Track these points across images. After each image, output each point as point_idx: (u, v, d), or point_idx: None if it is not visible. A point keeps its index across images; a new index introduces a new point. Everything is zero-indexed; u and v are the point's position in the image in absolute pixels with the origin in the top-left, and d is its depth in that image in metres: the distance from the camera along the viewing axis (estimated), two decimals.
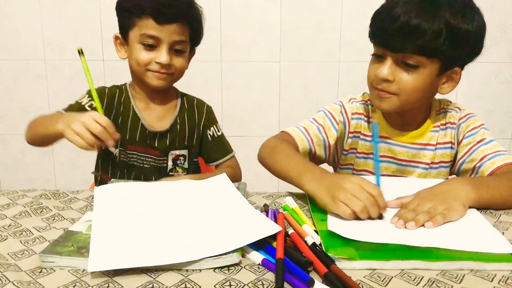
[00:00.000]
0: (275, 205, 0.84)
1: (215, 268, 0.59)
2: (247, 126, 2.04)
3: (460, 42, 0.85)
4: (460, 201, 0.73)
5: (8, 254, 0.63)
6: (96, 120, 0.83)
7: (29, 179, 2.13)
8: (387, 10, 0.87)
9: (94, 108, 1.02)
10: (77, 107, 1.05)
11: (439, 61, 0.87)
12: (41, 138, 0.96)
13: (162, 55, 1.01)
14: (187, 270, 0.58)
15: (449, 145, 1.00)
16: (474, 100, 2.04)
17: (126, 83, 1.14)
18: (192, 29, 1.05)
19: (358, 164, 1.05)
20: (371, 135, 1.02)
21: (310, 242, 0.64)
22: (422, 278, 0.57)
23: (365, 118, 1.03)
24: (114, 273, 0.57)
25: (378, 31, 0.90)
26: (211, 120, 1.17)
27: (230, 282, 0.55)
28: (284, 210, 0.78)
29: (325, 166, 0.99)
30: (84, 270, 0.59)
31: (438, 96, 0.99)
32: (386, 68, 0.89)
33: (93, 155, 0.95)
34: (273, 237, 0.63)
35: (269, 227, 0.65)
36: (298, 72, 2.02)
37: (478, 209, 0.77)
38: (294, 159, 0.87)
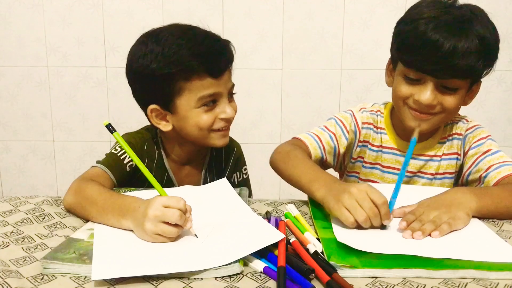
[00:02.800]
0: (277, 212, 0.84)
1: (217, 277, 0.59)
2: (249, 133, 2.04)
3: (491, 56, 0.86)
4: (464, 210, 0.73)
5: (10, 260, 0.63)
6: (169, 206, 0.67)
7: (31, 186, 2.14)
8: (421, 34, 0.84)
9: (134, 168, 0.93)
10: (114, 161, 0.92)
11: (470, 79, 0.89)
12: (90, 219, 0.77)
13: (227, 108, 0.91)
14: (188, 278, 0.58)
15: (455, 156, 1.00)
16: (477, 108, 2.03)
17: (157, 137, 1.00)
18: (231, 70, 0.96)
19: (365, 173, 1.06)
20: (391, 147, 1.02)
21: (312, 250, 0.64)
22: (424, 287, 0.57)
23: (374, 128, 1.04)
24: (116, 280, 0.57)
25: (418, 56, 0.86)
26: (240, 164, 1.10)
27: None
28: (286, 218, 0.78)
29: (331, 171, 0.98)
30: (86, 277, 0.59)
31: None
32: (429, 94, 0.87)
33: (95, 159, 0.93)
34: (275, 244, 0.64)
35: (271, 235, 0.65)
36: (300, 79, 2.02)
37: (480, 218, 0.77)
38: (306, 165, 0.87)
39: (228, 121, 0.94)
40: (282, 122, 2.06)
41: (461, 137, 1.00)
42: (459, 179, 1.01)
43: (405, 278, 0.59)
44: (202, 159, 1.06)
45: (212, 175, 1.06)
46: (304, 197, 0.90)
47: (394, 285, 0.57)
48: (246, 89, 2.02)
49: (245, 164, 1.13)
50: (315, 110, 2.03)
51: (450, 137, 1.01)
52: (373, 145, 1.04)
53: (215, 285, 0.57)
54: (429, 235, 0.69)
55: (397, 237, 0.70)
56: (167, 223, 0.66)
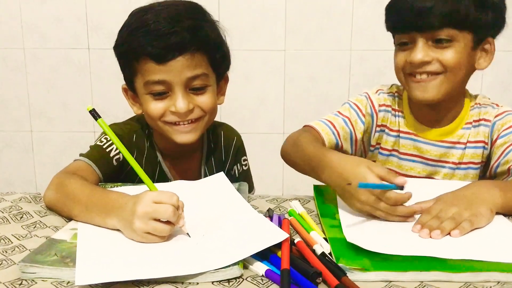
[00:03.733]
0: (280, 209, 0.84)
1: (214, 281, 0.59)
2: (248, 123, 2.04)
3: (486, 5, 0.90)
4: (487, 206, 0.73)
5: None
6: (161, 201, 0.67)
7: (7, 180, 2.14)
8: None
9: (121, 162, 0.93)
10: (100, 154, 0.92)
11: (470, 33, 0.91)
12: (73, 218, 0.77)
13: (177, 102, 0.89)
14: (182, 283, 0.58)
15: (481, 144, 1.01)
16: (501, 91, 2.03)
17: (148, 128, 1.01)
18: (210, 54, 0.92)
19: (381, 161, 1.07)
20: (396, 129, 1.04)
21: (319, 251, 0.64)
22: None
23: (392, 111, 1.05)
24: (102, 286, 0.57)
25: (399, 16, 0.94)
26: (240, 155, 1.11)
27: None
28: (290, 216, 0.79)
29: None
30: (69, 282, 0.59)
31: (472, 89, 1.01)
32: (419, 50, 0.92)
33: (78, 152, 0.93)
34: (278, 245, 0.63)
35: (273, 235, 0.65)
36: (305, 62, 2.01)
37: (505, 215, 0.77)
38: (314, 147, 0.88)
39: (182, 116, 0.91)
40: (285, 110, 2.05)
41: (489, 123, 1.00)
42: (487, 171, 1.01)
43: (422, 282, 0.59)
44: (198, 153, 1.06)
45: (212, 170, 1.06)
46: (310, 192, 0.90)
47: None
48: (245, 73, 2.01)
49: (245, 154, 1.14)
50: (322, 96, 2.03)
51: (477, 123, 1.01)
52: (391, 130, 1.05)
53: None
54: (449, 234, 0.69)
55: (413, 237, 0.70)
56: (159, 220, 0.66)
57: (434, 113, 1.01)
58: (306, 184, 0.99)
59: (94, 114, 0.70)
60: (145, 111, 0.93)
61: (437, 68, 0.92)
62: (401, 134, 1.04)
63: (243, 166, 1.12)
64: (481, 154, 1.01)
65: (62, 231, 0.72)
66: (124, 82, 0.98)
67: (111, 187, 0.88)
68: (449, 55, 0.91)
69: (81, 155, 0.91)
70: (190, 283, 0.58)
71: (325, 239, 0.69)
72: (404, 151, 1.04)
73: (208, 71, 0.93)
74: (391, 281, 0.59)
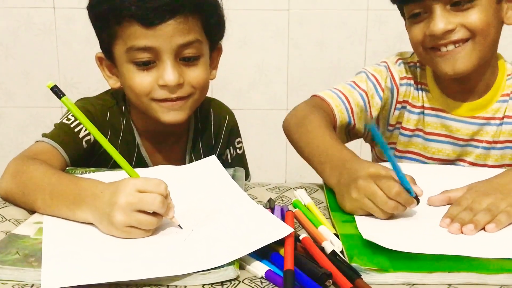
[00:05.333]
0: (282, 200, 0.84)
1: (205, 284, 0.59)
2: (245, 97, 2.04)
3: None
4: None
5: None
6: (146, 190, 0.66)
7: None
8: None
9: (92, 143, 0.93)
10: (66, 134, 0.92)
11: None
12: (36, 210, 0.76)
13: (166, 73, 0.89)
14: (168, 286, 0.58)
15: None
16: None
17: (125, 104, 1.01)
18: (204, 18, 0.92)
19: (403, 143, 1.08)
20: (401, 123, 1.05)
21: (328, 249, 0.64)
22: None
23: (414, 84, 1.06)
24: None
25: None
26: (233, 136, 1.12)
27: None
28: (295, 207, 0.79)
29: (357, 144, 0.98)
30: (33, 285, 0.59)
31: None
32: (439, 18, 0.92)
33: (42, 131, 0.93)
34: (280, 242, 0.63)
35: (275, 229, 0.65)
36: (313, 24, 2.00)
37: None
38: (321, 139, 0.87)
39: (172, 90, 0.91)
40: (288, 82, 2.05)
41: None
42: None
43: (450, 285, 0.59)
44: (184, 135, 1.06)
45: (200, 155, 1.06)
46: (318, 180, 0.90)
47: None
48: (241, 37, 2.00)
49: (239, 136, 1.14)
50: (333, 66, 2.02)
51: None
52: (413, 106, 1.06)
53: None
54: (483, 229, 0.70)
55: (439, 233, 0.70)
56: (144, 212, 0.66)
57: (464, 85, 1.01)
58: (313, 171, 0.99)
59: (57, 91, 0.70)
60: (128, 85, 0.93)
61: (463, 34, 0.92)
62: (426, 111, 1.05)
63: (237, 150, 1.13)
64: None
65: (24, 225, 0.72)
66: (98, 50, 0.97)
67: (81, 173, 0.88)
68: (474, 16, 0.91)
69: (43, 135, 0.91)
70: (176, 286, 0.58)
71: (336, 235, 0.69)
72: (430, 131, 1.05)
73: (202, 38, 0.93)
74: (413, 284, 0.59)
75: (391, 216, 0.73)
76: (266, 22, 2.00)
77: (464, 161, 1.05)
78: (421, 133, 1.06)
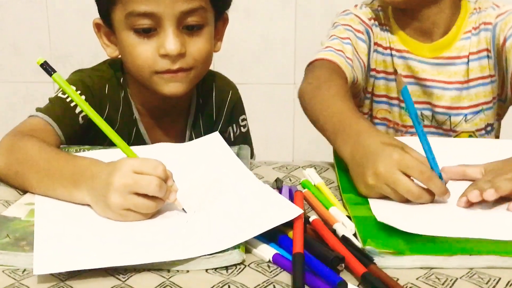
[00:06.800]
0: (290, 180, 0.84)
1: (209, 268, 0.59)
2: (249, 71, 2.03)
3: None
4: None
5: None
6: (143, 172, 0.66)
7: None
8: None
9: (89, 119, 0.93)
10: (62, 109, 0.92)
11: None
12: (29, 190, 0.77)
13: (167, 41, 0.89)
14: (169, 271, 0.58)
15: (485, 53, 1.04)
16: None
17: (123, 75, 1.01)
18: None
19: (379, 87, 1.12)
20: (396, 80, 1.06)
21: (340, 232, 0.65)
22: (499, 281, 0.57)
23: (380, 26, 1.10)
24: (68, 275, 0.57)
25: None
26: (236, 113, 1.12)
27: (229, 287, 0.55)
28: (304, 188, 0.79)
29: None
30: (25, 270, 0.59)
31: None
32: None
33: (33, 108, 0.93)
34: (289, 224, 0.63)
35: (284, 211, 0.65)
36: None
37: None
38: (337, 106, 0.86)
39: (173, 60, 0.91)
40: (296, 54, 2.03)
41: (490, 26, 1.03)
42: (502, 84, 1.05)
43: (471, 268, 0.59)
44: (185, 110, 1.06)
45: (200, 132, 1.06)
46: (328, 158, 0.90)
47: (457, 278, 0.57)
48: (245, 5, 1.98)
49: (244, 112, 1.14)
50: None
51: (476, 31, 1.05)
52: (383, 48, 1.10)
53: (206, 279, 0.57)
54: (507, 199, 0.69)
55: (459, 214, 0.70)
56: (141, 194, 0.66)
57: (422, 24, 1.04)
58: (323, 149, 0.98)
59: (47, 68, 0.70)
60: (129, 55, 0.93)
61: None
62: (393, 52, 1.09)
63: (241, 128, 1.13)
64: (488, 65, 1.05)
65: (15, 207, 0.72)
66: (92, 20, 0.97)
67: (75, 151, 0.88)
68: None
69: (38, 110, 0.91)
70: (178, 271, 0.58)
71: (348, 217, 0.69)
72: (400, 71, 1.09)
73: (207, 6, 0.93)
74: (432, 268, 0.59)
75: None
76: None
77: (437, 106, 1.10)
78: (385, 75, 1.11)
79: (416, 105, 1.02)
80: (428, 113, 1.12)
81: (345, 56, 1.02)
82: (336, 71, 0.99)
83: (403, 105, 1.09)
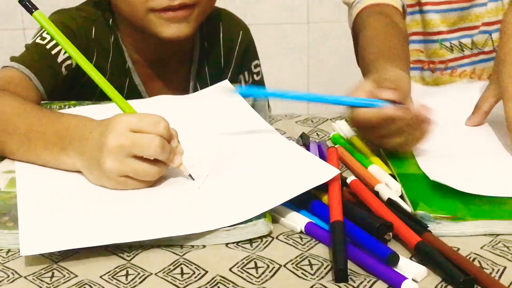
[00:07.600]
0: (318, 135, 0.84)
1: (229, 242, 0.59)
2: (256, 8, 2.04)
3: None
4: None
5: None
6: (141, 130, 0.65)
7: None
8: None
9: (74, 69, 0.93)
10: (41, 58, 0.91)
11: None
12: (7, 155, 0.77)
13: None
14: (182, 246, 0.58)
15: None
16: None
17: (113, 16, 1.00)
18: None
19: (411, 24, 1.14)
20: None
21: (385, 195, 0.64)
22: None
23: None
24: (61, 254, 0.57)
25: None
26: (249, 58, 1.11)
27: (255, 263, 0.55)
28: (335, 144, 0.79)
29: None
30: (9, 250, 0.59)
31: None
32: None
33: (3, 59, 0.91)
34: (323, 187, 0.63)
35: (316, 171, 0.65)
36: None
37: None
38: (378, 49, 0.87)
39: None
40: None
41: None
42: None
43: None
44: (187, 57, 1.04)
45: (206, 82, 1.06)
46: None
47: None
48: None
49: (257, 58, 1.13)
50: None
51: None
52: None
53: (227, 255, 0.57)
54: None
55: None
56: (141, 157, 0.64)
57: None
58: None
59: (27, 4, 0.69)
60: None
61: None
62: None
63: (254, 75, 1.13)
64: None
65: None
66: None
67: (60, 107, 0.88)
68: None
69: (12, 59, 0.89)
70: (193, 246, 0.58)
71: (392, 176, 0.69)
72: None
73: None
74: (498, 235, 0.59)
75: (455, 152, 0.74)
76: None
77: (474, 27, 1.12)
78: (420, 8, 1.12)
79: (452, 34, 1.12)
80: (467, 40, 1.13)
81: None
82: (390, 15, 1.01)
83: (442, 36, 1.12)
